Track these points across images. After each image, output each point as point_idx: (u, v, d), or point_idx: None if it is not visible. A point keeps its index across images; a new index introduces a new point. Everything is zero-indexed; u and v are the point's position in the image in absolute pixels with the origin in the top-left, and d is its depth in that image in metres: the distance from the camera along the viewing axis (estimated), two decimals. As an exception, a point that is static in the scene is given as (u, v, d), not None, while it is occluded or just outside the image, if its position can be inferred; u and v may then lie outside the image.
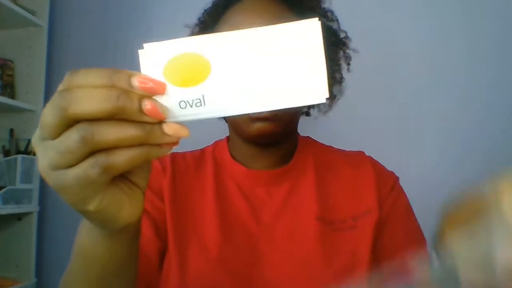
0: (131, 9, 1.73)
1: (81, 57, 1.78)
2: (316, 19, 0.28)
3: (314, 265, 0.58)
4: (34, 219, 1.58)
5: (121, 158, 0.28)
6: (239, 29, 0.57)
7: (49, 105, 0.27)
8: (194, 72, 0.28)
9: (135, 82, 0.27)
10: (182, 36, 0.79)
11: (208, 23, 0.67)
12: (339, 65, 0.70)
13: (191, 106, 0.29)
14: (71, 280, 0.40)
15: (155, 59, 0.28)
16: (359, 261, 0.59)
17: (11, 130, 1.63)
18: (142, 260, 0.56)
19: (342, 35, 0.70)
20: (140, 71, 0.29)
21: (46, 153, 0.28)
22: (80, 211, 0.30)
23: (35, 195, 1.58)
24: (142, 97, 0.28)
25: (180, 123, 0.29)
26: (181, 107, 0.29)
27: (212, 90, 0.28)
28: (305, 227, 0.61)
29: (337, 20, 0.70)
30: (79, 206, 0.30)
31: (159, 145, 0.29)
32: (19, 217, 1.58)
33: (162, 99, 0.28)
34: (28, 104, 1.60)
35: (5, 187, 1.47)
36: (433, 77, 1.35)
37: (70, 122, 0.27)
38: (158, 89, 0.28)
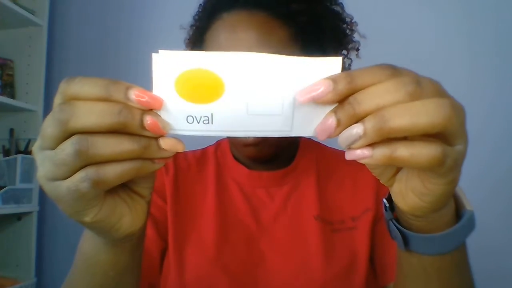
0: (131, 8, 1.73)
1: (81, 57, 1.78)
2: (340, 58, 0.28)
3: (314, 266, 0.58)
4: (34, 219, 1.58)
5: (111, 173, 0.27)
6: (224, 49, 0.54)
7: (49, 118, 0.27)
8: (207, 90, 0.28)
9: (132, 95, 0.27)
10: (182, 35, 0.78)
11: (198, 30, 0.64)
12: (347, 49, 0.66)
13: (198, 122, 0.28)
14: (74, 285, 0.40)
15: (169, 68, 0.27)
16: (358, 262, 0.59)
17: (11, 130, 1.63)
18: (145, 260, 0.56)
19: (347, 20, 0.65)
20: (150, 75, 0.27)
21: (44, 163, 0.27)
22: (78, 221, 0.30)
23: (35, 195, 1.59)
24: (144, 112, 0.27)
25: (176, 138, 0.29)
26: (188, 122, 0.28)
27: (221, 111, 0.28)
28: (305, 228, 0.61)
29: (340, 4, 0.65)
30: (75, 217, 0.30)
31: (151, 159, 0.29)
32: (19, 217, 1.58)
33: (170, 111, 0.28)
34: (28, 104, 1.60)
35: (5, 187, 1.47)
36: (434, 75, 1.34)
37: (70, 135, 0.27)
38: (154, 104, 0.27)
